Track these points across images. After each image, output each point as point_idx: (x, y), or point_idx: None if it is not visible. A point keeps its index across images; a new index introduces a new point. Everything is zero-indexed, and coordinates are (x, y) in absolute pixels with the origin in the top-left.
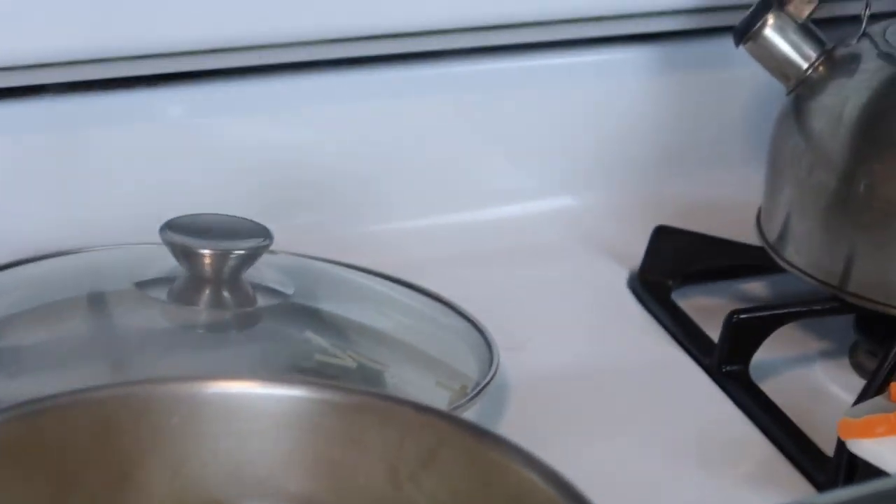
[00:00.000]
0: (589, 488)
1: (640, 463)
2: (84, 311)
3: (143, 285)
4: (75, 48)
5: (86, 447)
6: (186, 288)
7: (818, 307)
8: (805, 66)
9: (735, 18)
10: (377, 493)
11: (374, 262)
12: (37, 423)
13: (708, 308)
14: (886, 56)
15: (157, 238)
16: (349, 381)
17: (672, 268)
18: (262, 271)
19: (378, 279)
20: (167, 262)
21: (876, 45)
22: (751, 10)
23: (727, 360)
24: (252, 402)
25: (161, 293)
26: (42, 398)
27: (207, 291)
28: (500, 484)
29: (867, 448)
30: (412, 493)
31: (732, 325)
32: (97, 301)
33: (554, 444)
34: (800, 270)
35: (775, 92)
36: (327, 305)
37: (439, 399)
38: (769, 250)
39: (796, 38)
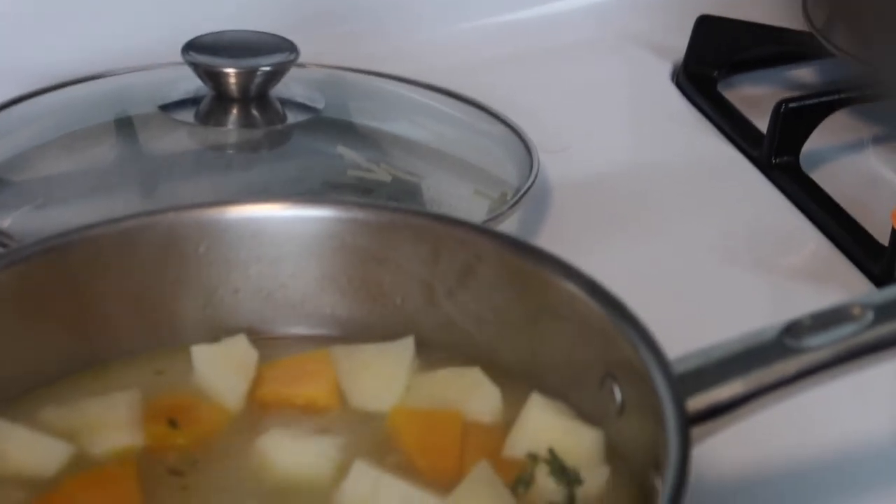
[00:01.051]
0: (634, 293)
1: (689, 262)
2: (110, 137)
3: (168, 108)
4: None
5: (113, 278)
6: (213, 108)
7: (870, 92)
8: None
9: None
10: (414, 311)
11: (406, 71)
12: (63, 255)
13: (755, 98)
14: None
15: (179, 58)
16: (385, 195)
17: (717, 58)
18: (291, 87)
19: (411, 87)
20: (192, 83)
21: None
22: None
23: (777, 152)
24: (280, 225)
25: (188, 115)
26: (68, 231)
27: (235, 111)
28: (540, 296)
29: None
30: (450, 310)
31: (781, 114)
32: (123, 126)
33: (599, 248)
34: (850, 55)
35: None
36: (360, 118)
37: (478, 208)
38: (817, 35)
39: None
